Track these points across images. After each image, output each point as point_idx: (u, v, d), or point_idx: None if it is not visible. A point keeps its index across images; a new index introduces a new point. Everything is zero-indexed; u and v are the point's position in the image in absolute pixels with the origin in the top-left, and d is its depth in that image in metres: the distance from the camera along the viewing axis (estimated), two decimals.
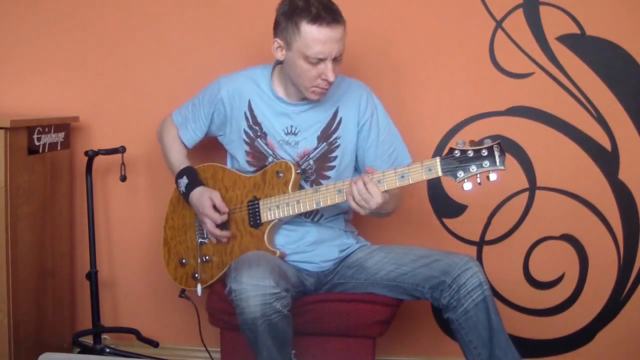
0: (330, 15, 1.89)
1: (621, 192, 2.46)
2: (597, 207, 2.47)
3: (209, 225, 2.07)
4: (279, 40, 1.97)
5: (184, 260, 2.19)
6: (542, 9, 2.40)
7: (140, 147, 2.53)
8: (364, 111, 2.11)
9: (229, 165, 2.21)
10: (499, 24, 2.43)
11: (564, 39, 2.41)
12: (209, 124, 2.18)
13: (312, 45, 1.89)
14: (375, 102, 2.15)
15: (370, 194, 1.84)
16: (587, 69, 2.41)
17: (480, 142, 1.81)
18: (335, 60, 1.94)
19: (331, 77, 1.93)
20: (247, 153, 2.12)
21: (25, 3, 2.54)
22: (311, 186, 2.06)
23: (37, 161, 2.30)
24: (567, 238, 2.50)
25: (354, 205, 1.88)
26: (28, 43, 2.55)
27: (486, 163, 1.79)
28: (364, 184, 1.85)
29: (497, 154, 1.78)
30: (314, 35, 1.89)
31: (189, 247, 2.18)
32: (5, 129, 2.11)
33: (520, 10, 2.41)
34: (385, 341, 2.50)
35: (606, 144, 2.44)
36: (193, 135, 2.21)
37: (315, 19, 1.88)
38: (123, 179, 2.44)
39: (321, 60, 1.91)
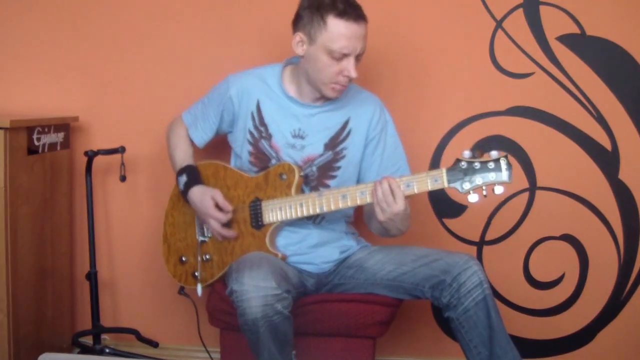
0: (355, 12, 1.91)
1: (621, 192, 2.46)
2: (597, 207, 2.47)
3: (215, 226, 2.05)
4: (301, 34, 1.97)
5: (183, 258, 2.18)
6: (542, 9, 2.41)
7: (140, 147, 2.53)
8: (374, 126, 2.11)
9: (232, 164, 2.20)
10: (499, 24, 2.43)
11: (564, 39, 2.41)
12: (219, 122, 2.17)
13: (337, 40, 1.90)
14: (386, 118, 2.14)
15: (394, 196, 1.84)
16: (587, 69, 2.41)
17: (487, 153, 1.80)
18: (357, 58, 1.95)
19: (353, 74, 1.93)
20: (250, 153, 2.11)
21: (25, 3, 2.54)
22: (311, 192, 2.06)
23: (37, 161, 2.30)
24: (567, 238, 2.50)
25: (374, 204, 1.87)
26: (28, 43, 2.55)
27: (492, 176, 1.79)
28: (389, 185, 1.85)
29: (504, 166, 1.78)
30: (340, 30, 1.90)
31: (189, 244, 2.18)
32: (5, 129, 2.10)
33: (520, 10, 2.41)
34: (385, 341, 2.50)
35: (606, 144, 2.44)
36: (203, 134, 2.20)
37: (343, 14, 1.89)
38: (123, 179, 2.44)
39: (345, 55, 1.92)
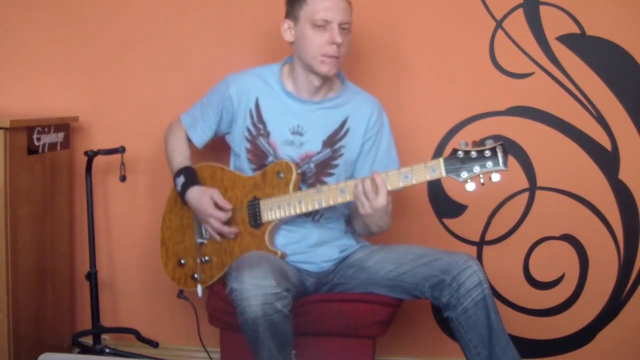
0: None
1: (621, 192, 2.46)
2: (597, 207, 2.47)
3: (216, 224, 2.06)
4: (288, 21, 2.05)
5: (182, 261, 2.18)
6: (542, 9, 2.41)
7: (140, 147, 2.53)
8: (372, 127, 2.12)
9: (232, 163, 2.20)
10: (499, 24, 2.43)
11: (564, 39, 2.41)
12: (218, 122, 2.17)
13: (317, 10, 1.97)
14: (383, 121, 2.15)
15: (377, 191, 1.85)
16: (587, 69, 2.41)
17: (483, 142, 1.82)
18: (343, 29, 1.99)
19: (338, 39, 1.97)
20: (248, 151, 2.11)
21: (25, 3, 2.54)
22: (308, 189, 2.06)
23: (37, 161, 2.30)
24: (567, 238, 2.50)
25: (354, 197, 1.89)
26: (28, 43, 2.55)
27: (489, 164, 1.80)
28: (373, 180, 1.86)
29: (500, 154, 1.80)
30: (319, 1, 1.97)
31: (187, 247, 2.18)
32: (5, 129, 2.10)
33: (520, 10, 2.41)
34: (385, 341, 2.50)
35: (606, 144, 2.44)
36: (202, 134, 2.21)
37: None
38: (123, 179, 2.44)
39: (327, 23, 1.96)
